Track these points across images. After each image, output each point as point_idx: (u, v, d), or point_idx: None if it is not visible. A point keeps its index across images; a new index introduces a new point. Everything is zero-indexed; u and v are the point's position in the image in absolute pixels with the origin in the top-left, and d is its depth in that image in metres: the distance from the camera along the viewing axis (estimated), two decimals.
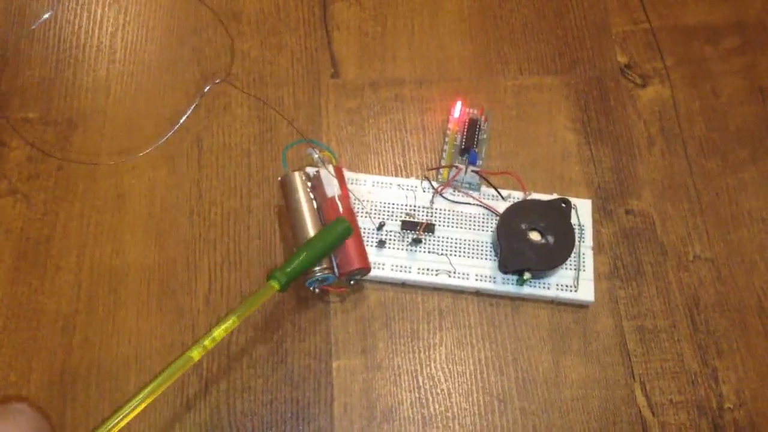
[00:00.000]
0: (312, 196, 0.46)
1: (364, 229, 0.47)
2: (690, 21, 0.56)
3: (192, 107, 0.48)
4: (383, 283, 0.47)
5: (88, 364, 0.44)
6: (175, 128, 0.50)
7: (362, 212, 0.47)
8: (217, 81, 0.49)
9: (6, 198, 0.48)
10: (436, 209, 0.48)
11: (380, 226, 0.47)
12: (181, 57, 0.53)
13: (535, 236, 0.46)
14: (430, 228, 0.47)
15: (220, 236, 0.48)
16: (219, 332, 0.39)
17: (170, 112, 0.51)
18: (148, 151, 0.50)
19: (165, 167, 0.50)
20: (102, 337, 0.45)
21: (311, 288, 0.44)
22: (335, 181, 0.45)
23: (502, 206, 0.47)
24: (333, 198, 0.45)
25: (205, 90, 0.49)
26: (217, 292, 0.46)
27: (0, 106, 0.51)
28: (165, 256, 0.47)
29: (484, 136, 0.51)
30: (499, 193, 0.48)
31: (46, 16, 0.48)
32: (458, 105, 0.51)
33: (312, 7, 0.56)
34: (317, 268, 0.43)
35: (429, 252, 0.47)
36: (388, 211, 0.48)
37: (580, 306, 0.47)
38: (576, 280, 0.46)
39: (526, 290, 0.46)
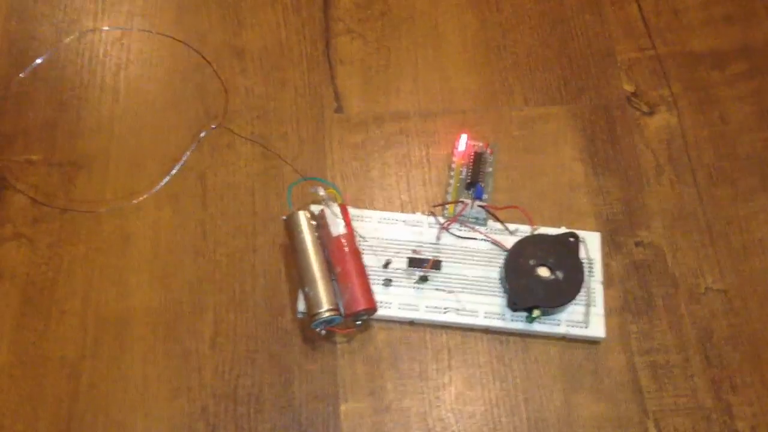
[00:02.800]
0: (317, 234, 0.45)
1: (370, 267, 0.46)
2: (696, 47, 0.56)
3: (188, 153, 0.48)
4: (390, 322, 0.46)
5: (95, 411, 0.44)
6: (177, 168, 0.50)
7: (368, 250, 0.47)
8: (213, 126, 0.49)
9: (10, 242, 0.48)
10: (443, 245, 0.47)
11: (386, 264, 0.47)
12: (184, 95, 0.53)
13: (543, 272, 0.45)
14: (437, 265, 0.47)
15: (225, 277, 0.48)
16: None
17: (174, 151, 0.51)
18: (151, 192, 0.50)
19: (169, 207, 0.50)
20: (108, 383, 0.45)
21: (317, 329, 0.44)
22: (340, 220, 0.45)
23: (509, 240, 0.47)
24: (338, 237, 0.45)
25: (201, 135, 0.49)
26: (222, 334, 0.46)
27: (3, 148, 0.51)
28: (170, 298, 0.47)
29: (490, 169, 0.50)
30: (506, 227, 0.48)
31: (39, 61, 0.48)
32: (463, 138, 0.51)
33: (315, 42, 0.55)
34: (323, 309, 0.43)
35: (436, 289, 0.46)
36: (394, 249, 0.47)
37: (592, 342, 0.46)
38: (586, 316, 0.46)
39: (536, 327, 0.45)
